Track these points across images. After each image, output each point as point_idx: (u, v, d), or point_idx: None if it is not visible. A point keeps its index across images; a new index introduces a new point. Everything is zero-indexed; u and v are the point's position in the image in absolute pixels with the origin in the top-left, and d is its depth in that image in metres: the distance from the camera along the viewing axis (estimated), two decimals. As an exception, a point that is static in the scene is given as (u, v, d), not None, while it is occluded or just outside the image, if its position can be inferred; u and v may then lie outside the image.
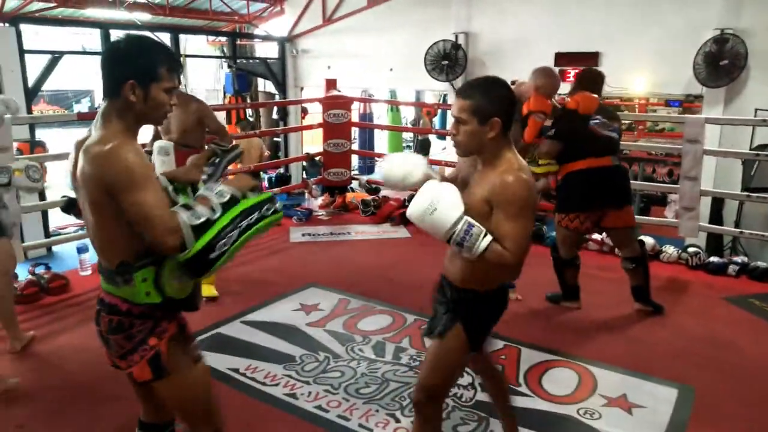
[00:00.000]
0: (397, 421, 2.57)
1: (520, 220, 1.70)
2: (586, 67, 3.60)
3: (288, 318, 3.60)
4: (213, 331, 3.39)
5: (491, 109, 1.71)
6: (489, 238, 1.70)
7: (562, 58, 7.08)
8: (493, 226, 1.73)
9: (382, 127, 11.30)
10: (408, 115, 14.38)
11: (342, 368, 3.02)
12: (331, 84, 6.57)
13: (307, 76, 9.55)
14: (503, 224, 1.71)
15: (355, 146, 12.38)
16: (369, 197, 6.25)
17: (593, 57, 6.87)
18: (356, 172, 10.04)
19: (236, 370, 2.96)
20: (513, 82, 6.84)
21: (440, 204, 1.71)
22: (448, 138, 8.73)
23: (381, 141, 13.39)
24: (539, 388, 2.84)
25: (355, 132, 12.02)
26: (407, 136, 13.91)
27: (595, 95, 3.54)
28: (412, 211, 1.76)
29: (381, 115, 14.64)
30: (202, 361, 1.79)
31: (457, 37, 7.76)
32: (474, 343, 1.91)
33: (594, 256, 4.87)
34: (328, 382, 2.88)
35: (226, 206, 1.58)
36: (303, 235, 5.29)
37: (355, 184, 7.16)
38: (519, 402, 2.71)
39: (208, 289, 3.74)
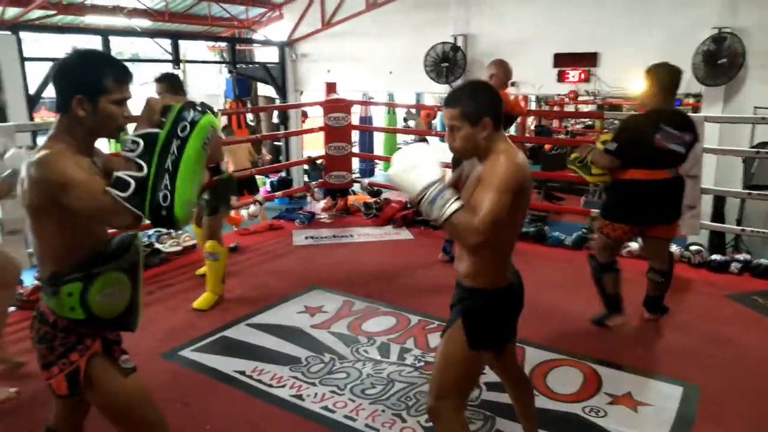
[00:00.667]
0: (404, 421, 2.58)
1: (495, 194, 1.71)
2: (661, 62, 3.17)
3: (293, 320, 3.61)
4: (219, 335, 3.40)
5: (480, 111, 1.79)
6: (459, 203, 1.71)
7: (561, 59, 7.11)
8: (473, 199, 1.77)
9: (382, 130, 11.33)
10: (399, 117, 14.43)
11: (347, 369, 3.03)
12: (331, 87, 6.59)
13: (306, 80, 9.59)
14: (479, 194, 1.75)
15: (355, 149, 12.46)
16: (371, 200, 6.27)
17: (592, 57, 6.91)
18: (357, 174, 10.07)
19: (242, 373, 2.97)
20: (513, 83, 6.89)
21: (421, 165, 1.75)
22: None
23: (380, 143, 13.45)
24: (544, 387, 2.85)
25: (354, 135, 12.07)
26: (405, 138, 13.95)
27: (671, 97, 3.19)
28: (394, 168, 1.79)
29: (380, 118, 14.71)
30: (133, 374, 1.77)
31: (456, 39, 7.79)
32: (474, 340, 1.88)
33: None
34: (333, 383, 2.89)
35: (148, 149, 1.51)
36: (306, 238, 5.31)
37: (356, 186, 7.18)
38: (525, 400, 2.73)
39: (205, 300, 3.72)
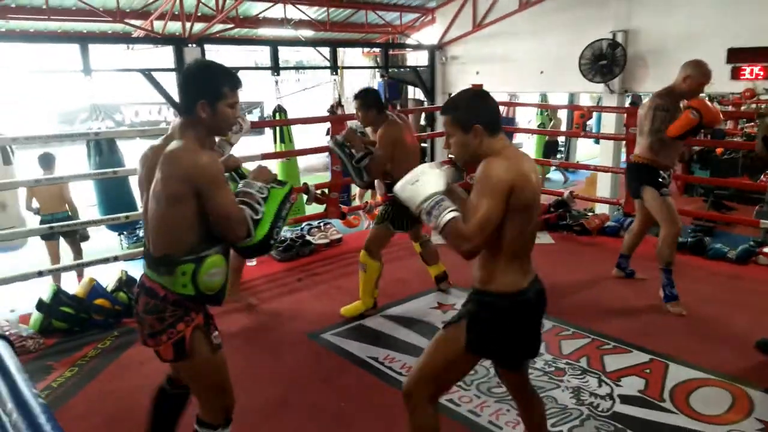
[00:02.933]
0: (528, 422, 2.57)
1: (482, 200, 1.74)
2: None
3: (425, 315, 3.73)
4: (357, 322, 3.64)
5: (471, 118, 1.83)
6: (455, 214, 1.75)
7: (735, 54, 6.42)
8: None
9: (521, 131, 11.03)
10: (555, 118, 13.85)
11: (475, 367, 3.07)
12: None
13: (454, 82, 9.69)
14: (471, 201, 1.80)
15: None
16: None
17: (774, 51, 6.14)
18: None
19: (375, 359, 3.16)
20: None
21: (422, 178, 1.82)
22: (603, 142, 8.31)
23: (529, 145, 13.13)
24: (686, 405, 2.65)
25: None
26: (557, 139, 13.43)
27: None
28: (400, 182, 1.87)
29: (531, 119, 14.32)
30: (221, 350, 1.98)
31: (615, 35, 7.38)
32: (474, 345, 1.86)
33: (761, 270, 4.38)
34: (461, 378, 2.96)
35: (265, 199, 1.94)
36: (445, 237, 5.42)
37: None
38: (658, 417, 2.58)
39: (352, 308, 3.76)
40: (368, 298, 3.76)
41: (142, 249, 2.04)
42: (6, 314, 3.79)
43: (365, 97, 3.63)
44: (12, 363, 0.78)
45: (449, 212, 1.75)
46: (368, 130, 3.73)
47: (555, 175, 11.95)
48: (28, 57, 10.00)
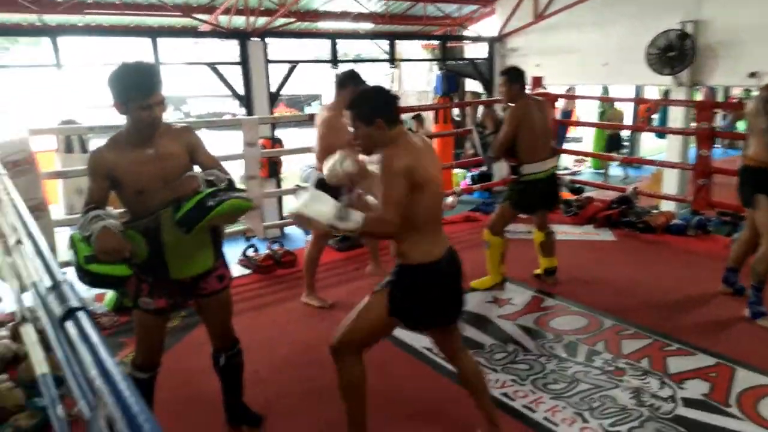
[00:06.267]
0: (585, 421, 2.54)
1: (388, 184, 2.00)
2: None
3: (481, 308, 3.72)
4: (411, 313, 3.67)
5: (372, 113, 2.07)
6: (362, 214, 2.01)
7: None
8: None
9: (578, 124, 10.67)
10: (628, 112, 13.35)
11: (530, 362, 3.05)
12: (537, 81, 6.49)
13: (514, 74, 9.52)
14: (378, 188, 2.05)
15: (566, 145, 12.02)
16: (572, 197, 6.06)
17: None
18: (563, 171, 9.73)
19: (430, 350, 3.18)
20: (753, 74, 6.08)
21: (320, 196, 2.05)
22: (670, 137, 7.98)
23: (587, 138, 12.75)
24: (754, 412, 2.55)
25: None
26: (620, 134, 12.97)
27: None
28: (298, 205, 2.05)
29: (592, 112, 13.87)
30: (148, 313, 2.27)
31: (684, 25, 7.07)
32: (395, 309, 2.12)
33: None
34: (515, 372, 2.94)
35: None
36: (501, 231, 5.36)
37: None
38: (724, 422, 2.49)
39: (482, 282, 3.99)
40: (496, 274, 4.00)
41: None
42: (83, 293, 4.05)
43: (511, 72, 3.81)
44: (94, 333, 0.84)
45: (357, 212, 2.01)
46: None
47: (617, 171, 11.56)
48: (103, 50, 10.51)
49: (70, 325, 0.87)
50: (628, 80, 9.15)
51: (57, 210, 6.18)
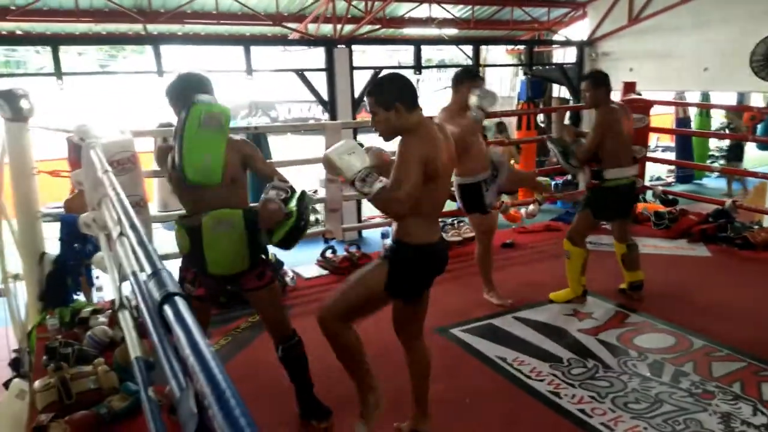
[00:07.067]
0: (668, 444, 2.41)
1: (408, 169, 2.05)
2: None
3: (559, 321, 3.62)
4: (487, 321, 3.63)
5: (391, 98, 2.13)
6: (384, 182, 2.08)
7: None
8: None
9: (684, 133, 10.09)
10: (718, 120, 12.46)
11: (611, 379, 2.93)
12: (629, 87, 6.21)
13: (604, 80, 9.17)
14: (394, 170, 2.10)
15: (657, 154, 11.37)
16: (664, 209, 5.75)
17: None
18: (656, 181, 9.26)
19: (504, 360, 3.14)
20: None
21: (357, 152, 2.14)
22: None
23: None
24: None
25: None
26: (720, 143, 12.15)
27: None
28: (333, 149, 2.15)
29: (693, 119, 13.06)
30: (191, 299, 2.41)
31: (795, 28, 6.54)
32: (393, 282, 2.22)
33: None
34: (594, 389, 2.84)
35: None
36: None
37: (649, 194, 6.65)
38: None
39: (561, 294, 3.89)
40: (576, 286, 3.84)
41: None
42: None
43: (594, 76, 3.77)
44: (189, 316, 0.91)
45: (380, 181, 2.08)
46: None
47: (715, 182, 10.81)
48: (200, 58, 11.16)
49: (167, 309, 0.95)
50: (730, 87, 8.58)
51: (152, 207, 6.64)
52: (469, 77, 3.55)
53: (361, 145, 2.27)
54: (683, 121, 11.06)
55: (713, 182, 10.90)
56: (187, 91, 2.35)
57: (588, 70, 9.36)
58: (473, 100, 3.45)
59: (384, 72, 8.02)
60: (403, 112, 2.15)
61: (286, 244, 2.35)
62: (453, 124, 3.51)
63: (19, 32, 7.98)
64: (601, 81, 3.66)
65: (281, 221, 2.31)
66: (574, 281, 3.83)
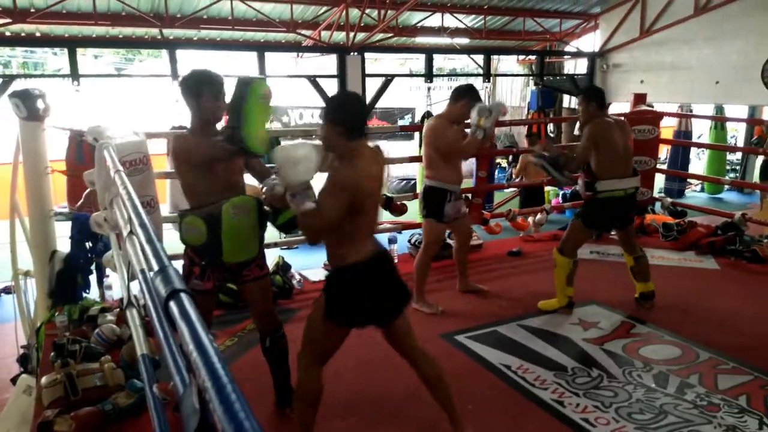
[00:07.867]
0: (671, 455, 2.40)
1: (330, 199, 2.06)
2: None
3: (565, 330, 3.61)
4: (492, 328, 3.63)
5: (337, 118, 2.13)
6: (312, 206, 2.08)
7: None
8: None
9: (691, 144, 10.03)
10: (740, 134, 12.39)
11: (615, 389, 2.92)
12: (639, 99, 6.22)
13: (615, 91, 9.17)
14: (321, 195, 2.10)
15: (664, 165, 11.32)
16: (672, 221, 5.73)
17: None
18: (662, 193, 9.20)
19: (508, 367, 3.13)
20: None
21: (305, 164, 2.08)
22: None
23: (700, 161, 11.94)
24: None
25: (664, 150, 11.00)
26: (733, 157, 12.08)
27: None
28: (290, 147, 2.12)
29: (703, 133, 12.99)
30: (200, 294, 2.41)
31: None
32: (330, 311, 2.18)
33: None
34: (598, 398, 2.83)
35: None
36: (591, 252, 5.16)
37: (657, 205, 6.62)
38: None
39: (548, 303, 3.88)
40: (561, 296, 3.84)
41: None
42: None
43: (589, 91, 3.82)
44: (194, 312, 0.92)
45: (312, 202, 2.09)
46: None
47: (729, 195, 10.74)
48: (215, 62, 11.29)
49: (172, 306, 0.97)
50: (742, 100, 8.54)
51: (164, 208, 6.69)
52: (469, 95, 3.60)
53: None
54: (683, 135, 11.00)
55: (730, 196, 10.81)
56: (201, 85, 2.42)
57: (599, 81, 9.39)
58: (473, 118, 3.50)
59: (386, 79, 8.01)
60: (343, 136, 2.13)
61: (290, 227, 2.42)
62: (440, 134, 3.67)
63: (38, 34, 8.13)
64: (592, 96, 3.70)
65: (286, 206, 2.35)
66: (560, 291, 3.83)
